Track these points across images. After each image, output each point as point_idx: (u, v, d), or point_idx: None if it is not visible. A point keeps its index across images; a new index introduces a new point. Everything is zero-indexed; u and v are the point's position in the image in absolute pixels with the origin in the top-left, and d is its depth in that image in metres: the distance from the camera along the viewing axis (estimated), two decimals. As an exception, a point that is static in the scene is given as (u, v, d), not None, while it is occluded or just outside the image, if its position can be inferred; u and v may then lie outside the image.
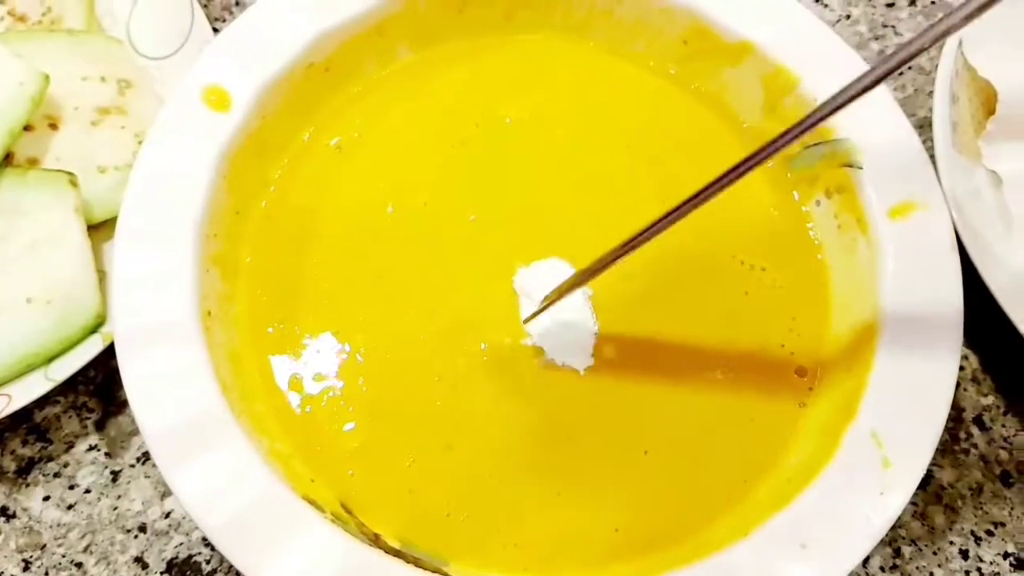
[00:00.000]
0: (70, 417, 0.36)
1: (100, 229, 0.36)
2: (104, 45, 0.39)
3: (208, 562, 0.34)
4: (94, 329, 0.34)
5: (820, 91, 0.35)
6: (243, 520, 0.27)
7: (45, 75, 0.36)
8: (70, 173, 0.35)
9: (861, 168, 0.34)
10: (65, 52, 0.38)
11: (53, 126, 0.37)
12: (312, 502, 0.29)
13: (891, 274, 0.32)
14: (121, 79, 0.38)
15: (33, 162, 0.36)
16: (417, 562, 0.28)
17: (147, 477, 0.35)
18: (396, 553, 0.29)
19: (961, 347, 0.31)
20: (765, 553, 0.28)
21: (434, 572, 0.28)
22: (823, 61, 0.36)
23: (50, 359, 0.34)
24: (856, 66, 0.35)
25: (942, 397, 0.30)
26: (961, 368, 0.39)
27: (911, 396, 0.30)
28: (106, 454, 0.35)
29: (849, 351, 0.32)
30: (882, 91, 0.35)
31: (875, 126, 0.34)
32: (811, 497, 0.28)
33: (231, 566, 0.34)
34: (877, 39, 0.47)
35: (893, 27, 0.47)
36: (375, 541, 0.29)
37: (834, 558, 0.27)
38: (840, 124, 0.34)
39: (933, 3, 0.48)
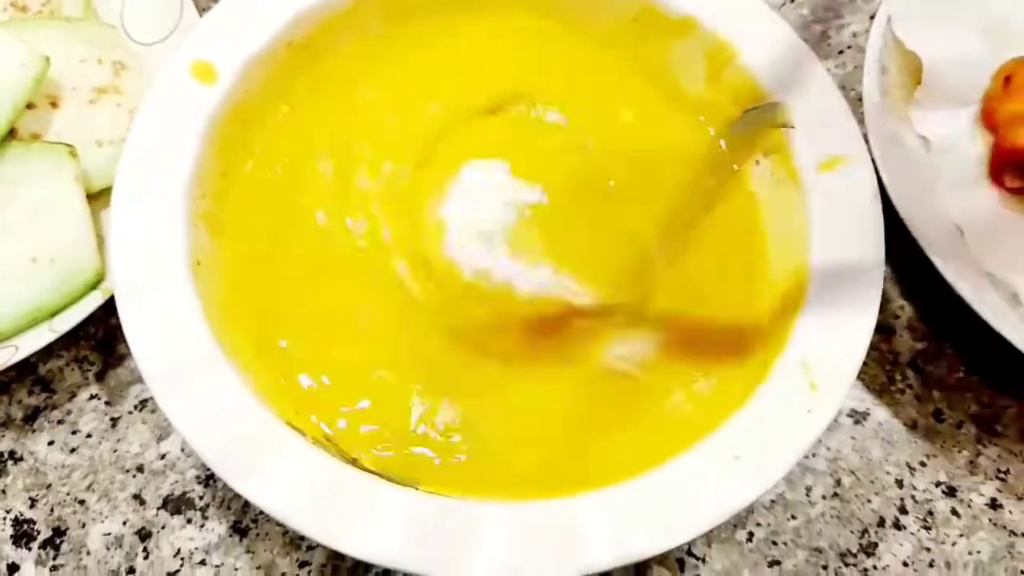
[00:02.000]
0: (72, 369, 0.39)
1: (99, 197, 0.39)
2: (100, 31, 0.42)
3: (201, 498, 0.37)
4: (94, 286, 0.37)
5: (755, 62, 0.38)
6: (235, 444, 0.30)
7: (46, 57, 0.39)
8: (70, 145, 0.38)
9: (793, 127, 0.37)
10: (64, 37, 0.41)
11: (54, 104, 0.40)
12: (297, 428, 0.32)
13: (820, 220, 0.35)
14: (116, 62, 0.42)
15: (36, 137, 0.40)
16: (391, 480, 0.31)
17: (144, 423, 0.38)
18: (373, 473, 0.32)
19: (882, 284, 0.34)
20: (701, 465, 0.31)
21: (405, 486, 0.31)
22: (758, 35, 0.39)
23: (54, 313, 0.37)
24: (788, 38, 0.38)
25: (864, 327, 0.33)
26: (897, 316, 0.42)
27: (837, 329, 0.33)
28: (106, 402, 0.38)
29: (784, 292, 0.35)
30: (810, 57, 0.38)
31: (804, 89, 0.37)
32: (745, 416, 0.32)
33: (222, 500, 0.37)
34: (819, 21, 0.50)
35: (835, 10, 0.51)
36: (354, 463, 0.32)
37: (765, 468, 0.30)
38: (772, 89, 0.38)
39: (872, -12, 0.51)
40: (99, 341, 0.39)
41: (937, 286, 0.38)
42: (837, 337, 0.33)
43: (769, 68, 0.38)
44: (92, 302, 0.37)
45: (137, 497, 0.36)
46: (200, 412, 0.30)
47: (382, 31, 0.40)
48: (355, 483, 0.30)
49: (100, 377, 0.39)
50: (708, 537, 0.37)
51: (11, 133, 0.39)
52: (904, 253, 0.39)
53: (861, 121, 0.40)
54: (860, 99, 0.46)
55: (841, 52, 0.49)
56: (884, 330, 0.42)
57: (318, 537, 0.29)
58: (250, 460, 0.30)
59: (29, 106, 0.40)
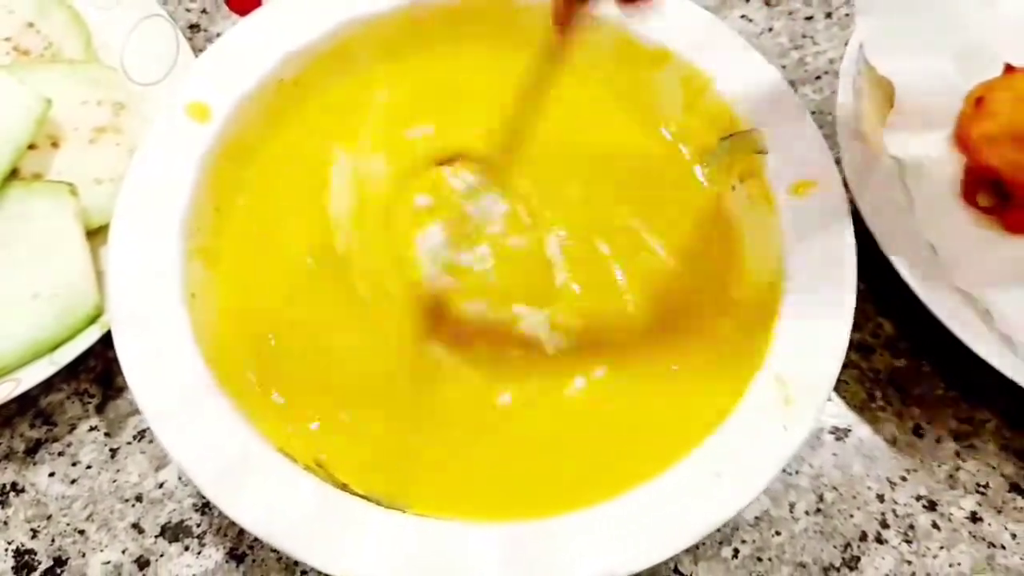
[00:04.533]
0: (72, 402, 0.40)
1: (98, 234, 0.41)
2: (100, 73, 0.44)
3: (198, 525, 0.37)
4: (93, 319, 0.38)
5: (730, 91, 0.40)
6: (228, 472, 0.31)
7: (47, 100, 0.41)
8: (70, 184, 0.40)
9: (767, 153, 0.38)
10: (65, 80, 0.43)
11: (55, 144, 0.42)
12: (288, 455, 0.33)
13: (792, 241, 0.36)
14: (115, 102, 0.43)
15: (37, 176, 0.41)
16: (381, 503, 0.32)
17: (142, 453, 0.39)
18: (363, 497, 0.33)
19: (854, 302, 0.35)
20: (683, 482, 0.32)
21: (395, 510, 0.32)
22: (733, 64, 0.40)
23: (54, 347, 0.38)
24: (760, 66, 0.40)
25: (837, 346, 0.34)
26: (876, 335, 0.43)
27: (810, 344, 0.34)
28: (105, 434, 0.39)
29: (758, 309, 0.36)
30: (783, 85, 0.40)
31: (778, 115, 0.39)
32: (724, 433, 0.33)
33: (219, 527, 0.37)
34: (797, 48, 0.52)
35: (811, 38, 0.52)
36: (344, 488, 0.33)
37: (744, 482, 0.31)
38: (746, 116, 0.39)
39: (847, 16, 0.53)
40: (98, 374, 0.40)
41: (914, 305, 0.39)
42: (811, 353, 0.34)
43: (743, 96, 0.40)
44: (91, 335, 0.38)
45: (136, 526, 0.37)
46: (195, 441, 0.31)
47: (370, 68, 0.42)
48: (346, 507, 0.31)
49: (100, 409, 0.40)
50: (694, 554, 0.38)
51: (13, 173, 0.40)
52: (881, 273, 0.40)
53: (837, 144, 0.42)
54: (835, 124, 0.47)
55: (818, 78, 0.51)
56: (864, 348, 0.43)
57: (310, 561, 0.30)
58: (243, 487, 0.31)
59: (31, 147, 0.41)
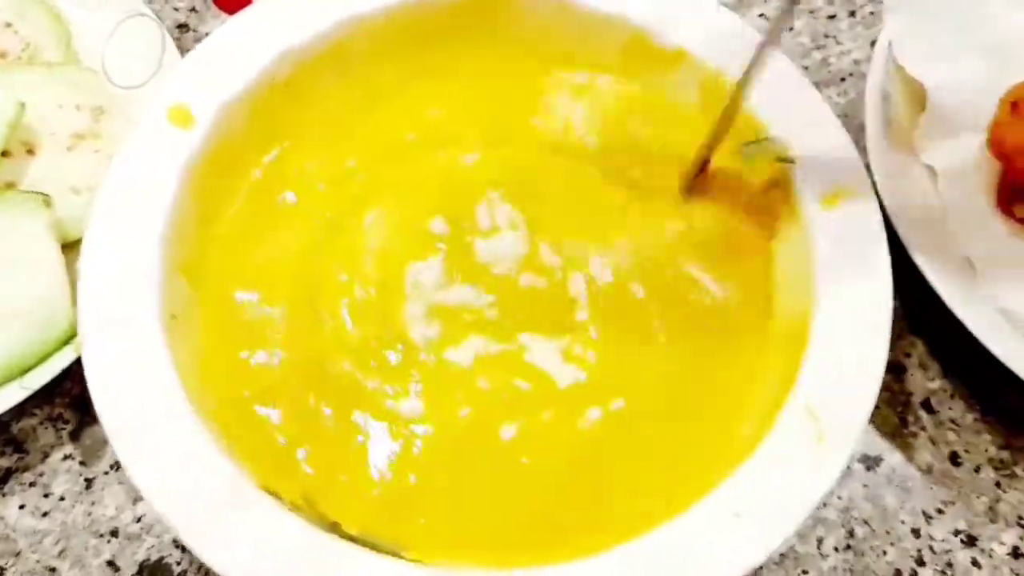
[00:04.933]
0: (46, 428, 0.37)
1: (75, 248, 0.38)
2: (80, 76, 0.41)
3: (179, 563, 0.35)
4: (68, 340, 0.36)
5: (754, 93, 0.37)
6: (203, 509, 0.28)
7: (21, 103, 0.38)
8: (44, 194, 0.37)
9: (793, 163, 0.36)
10: (42, 83, 0.40)
11: (30, 152, 0.39)
12: (272, 492, 0.30)
13: (823, 258, 0.33)
14: (95, 107, 0.41)
15: (11, 186, 0.39)
16: (374, 547, 0.29)
17: (120, 483, 0.36)
18: (352, 539, 0.30)
19: (890, 325, 0.32)
20: (702, 526, 0.29)
21: (390, 556, 0.29)
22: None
23: (25, 370, 0.35)
24: (784, 67, 0.37)
25: (873, 374, 0.31)
26: (908, 354, 0.40)
27: (844, 373, 0.31)
28: (81, 462, 0.37)
29: (788, 334, 0.34)
30: (808, 87, 0.37)
31: (803, 120, 0.36)
32: (748, 470, 0.30)
33: (200, 565, 0.35)
34: (819, 48, 0.49)
35: (834, 37, 0.49)
36: (333, 528, 0.30)
37: (769, 527, 0.29)
38: (770, 121, 0.36)
39: (872, 14, 0.50)
40: (74, 398, 0.38)
41: (948, 322, 0.36)
42: (845, 383, 0.31)
43: (766, 100, 0.37)
44: (66, 357, 0.35)
45: (112, 564, 0.35)
46: (167, 474, 0.29)
47: (367, 69, 0.39)
48: (333, 551, 0.28)
49: (75, 436, 0.37)
50: (715, 595, 0.35)
51: (-15, 183, 0.38)
52: (913, 287, 0.37)
53: (864, 151, 0.39)
54: (862, 128, 0.44)
55: (843, 80, 0.48)
56: (894, 369, 0.40)
57: (293, 610, 0.27)
58: (221, 527, 0.28)
59: (4, 153, 0.39)
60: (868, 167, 0.37)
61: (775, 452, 0.30)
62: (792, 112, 0.36)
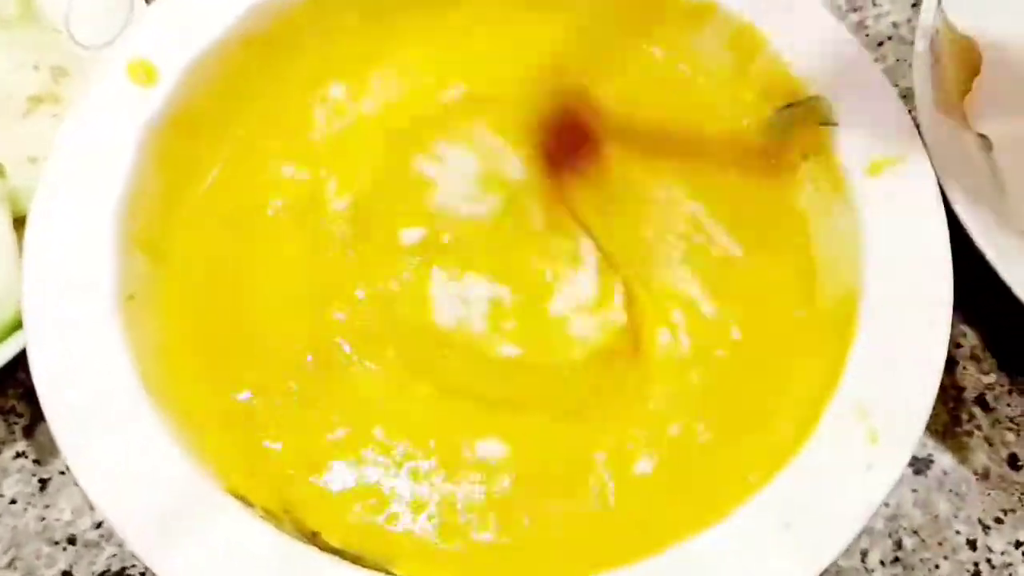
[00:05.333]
0: (-4, 422, 0.33)
1: (30, 222, 0.34)
2: (37, 33, 0.37)
3: (143, 574, 0.31)
4: (19, 325, 0.32)
5: (788, 48, 0.33)
6: (157, 516, 0.25)
7: (-30, 63, 0.34)
8: (-5, 162, 0.33)
9: (836, 124, 0.31)
10: (-5, 41, 0.36)
11: (-19, 117, 0.35)
12: (241, 497, 0.26)
13: (871, 233, 0.29)
14: (55, 67, 0.37)
15: (-42, 154, 0.35)
16: (358, 560, 0.26)
17: (77, 485, 0.32)
18: (335, 551, 0.26)
19: (951, 306, 0.28)
20: (742, 535, 0.25)
21: (375, 571, 0.25)
22: (790, 19, 0.33)
23: (-30, 358, 0.31)
24: (824, 20, 0.33)
25: (933, 363, 0.27)
26: (959, 346, 0.36)
27: (898, 364, 0.27)
28: (35, 461, 0.33)
29: (832, 322, 0.29)
30: (852, 43, 0.33)
31: (847, 79, 0.32)
32: (793, 475, 0.26)
33: (165, 578, 0.31)
34: (855, 11, 0.45)
35: (871, -1, 0.45)
36: (312, 539, 0.26)
37: (820, 539, 0.25)
38: (810, 80, 0.32)
39: (912, -27, 0.46)
40: (29, 389, 0.34)
41: (1007, 308, 0.33)
42: (899, 376, 0.27)
43: (805, 57, 0.33)
44: (17, 343, 0.32)
45: (67, 574, 0.31)
46: (119, 476, 0.25)
47: (353, 25, 0.35)
48: (310, 564, 0.25)
49: (28, 432, 0.33)
50: (746, 615, 0.31)
51: (-71, 150, 0.34)
52: (966, 270, 0.33)
53: (914, 119, 0.35)
54: (905, 96, 0.40)
55: (881, 44, 0.43)
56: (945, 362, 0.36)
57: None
58: (180, 538, 0.24)
59: (-48, 119, 0.35)
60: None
61: (822, 454, 0.26)
62: (834, 70, 0.32)
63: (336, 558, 0.25)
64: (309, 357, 0.30)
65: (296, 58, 0.35)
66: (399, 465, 0.28)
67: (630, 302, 0.31)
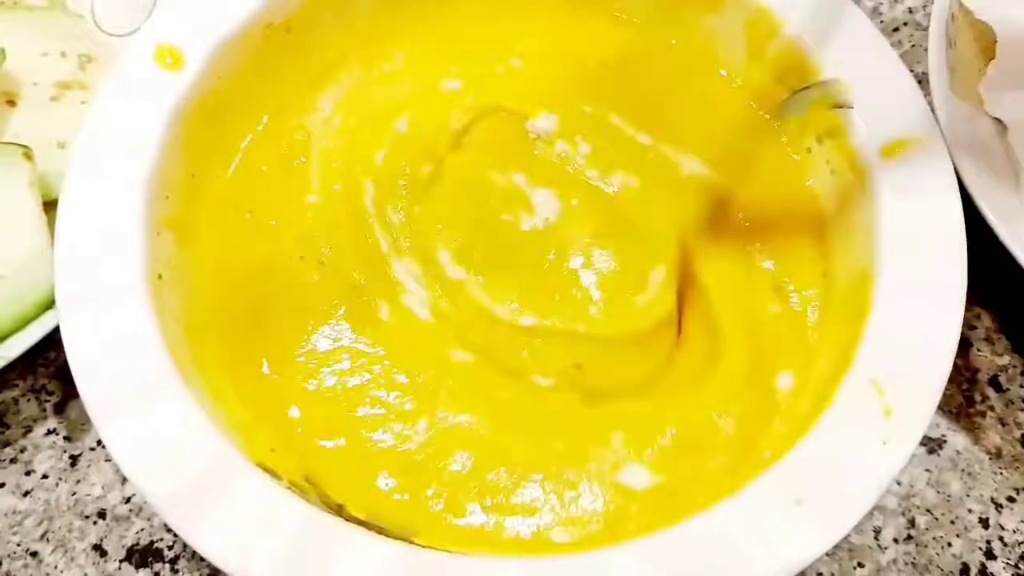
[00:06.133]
0: (28, 400, 0.34)
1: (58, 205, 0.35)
2: (65, 21, 0.38)
3: (171, 548, 0.32)
4: (50, 304, 0.33)
5: (804, 32, 0.33)
6: (188, 487, 0.25)
7: (1, 49, 0.35)
8: (25, 146, 0.34)
9: (851, 107, 0.32)
10: (24, 29, 0.37)
11: (11, 102, 0.36)
12: (269, 470, 0.27)
13: (887, 215, 0.30)
14: (82, 54, 0.37)
15: (-10, 140, 0.35)
16: (382, 531, 0.26)
17: (107, 460, 0.33)
18: (360, 522, 0.27)
19: (965, 287, 0.28)
20: (754, 510, 0.25)
21: (399, 540, 0.26)
22: (805, 1, 0.34)
23: (4, 337, 0.32)
24: (839, 4, 0.33)
25: (946, 341, 0.28)
26: (973, 327, 0.37)
27: (912, 341, 0.28)
28: (65, 438, 0.34)
29: (847, 298, 0.30)
30: (867, 25, 0.33)
31: (862, 62, 0.32)
32: (806, 450, 0.26)
33: (195, 551, 0.32)
34: (870, -4, 0.45)
35: (886, -16, 0.45)
36: (338, 511, 0.27)
37: (833, 514, 0.25)
38: (826, 63, 0.32)
39: (927, -41, 0.46)
40: (59, 367, 0.35)
41: (1021, 291, 0.33)
42: (914, 352, 0.28)
43: (821, 40, 0.33)
44: (48, 323, 0.32)
45: (98, 548, 0.32)
46: (151, 450, 0.26)
47: (373, 10, 0.35)
48: (336, 534, 0.25)
49: (59, 409, 0.34)
50: (760, 590, 0.31)
51: (-39, 135, 0.35)
52: (980, 252, 0.33)
53: (929, 104, 0.35)
54: (920, 80, 0.40)
55: (896, 30, 0.44)
56: (959, 343, 0.36)
57: (293, 603, 0.24)
58: (211, 508, 0.25)
59: (-17, 104, 0.35)
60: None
61: (836, 428, 0.26)
62: (849, 53, 0.33)
63: (362, 529, 0.26)
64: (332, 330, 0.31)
65: (317, 42, 0.35)
66: (421, 439, 0.29)
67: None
